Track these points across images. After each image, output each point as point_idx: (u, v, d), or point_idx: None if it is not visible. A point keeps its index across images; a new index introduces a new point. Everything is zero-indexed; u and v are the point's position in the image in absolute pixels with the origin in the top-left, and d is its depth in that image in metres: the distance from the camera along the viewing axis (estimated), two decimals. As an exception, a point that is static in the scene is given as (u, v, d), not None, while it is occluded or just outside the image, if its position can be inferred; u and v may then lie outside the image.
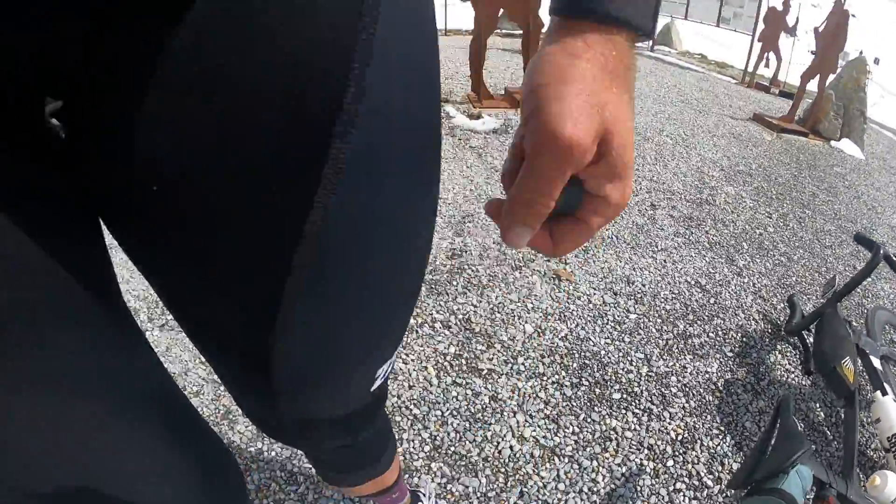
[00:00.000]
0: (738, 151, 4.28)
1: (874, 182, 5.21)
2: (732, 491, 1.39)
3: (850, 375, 1.51)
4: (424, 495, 1.19)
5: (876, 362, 1.56)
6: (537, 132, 0.31)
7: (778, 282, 2.44)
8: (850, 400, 1.48)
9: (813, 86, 6.12)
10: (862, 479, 1.32)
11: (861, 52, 6.76)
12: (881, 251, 1.72)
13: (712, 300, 2.16)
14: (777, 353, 1.95)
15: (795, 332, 1.95)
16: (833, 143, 6.03)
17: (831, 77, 6.27)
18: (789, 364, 1.90)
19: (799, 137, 5.66)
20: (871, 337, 1.67)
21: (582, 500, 1.30)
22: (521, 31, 4.27)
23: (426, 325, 1.78)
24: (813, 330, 1.82)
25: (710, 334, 1.96)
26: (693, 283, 2.23)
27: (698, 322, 2.02)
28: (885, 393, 1.45)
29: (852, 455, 1.31)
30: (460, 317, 1.83)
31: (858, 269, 1.80)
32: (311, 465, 1.16)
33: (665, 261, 2.34)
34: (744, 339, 1.98)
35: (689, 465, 1.44)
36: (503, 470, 1.35)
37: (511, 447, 1.41)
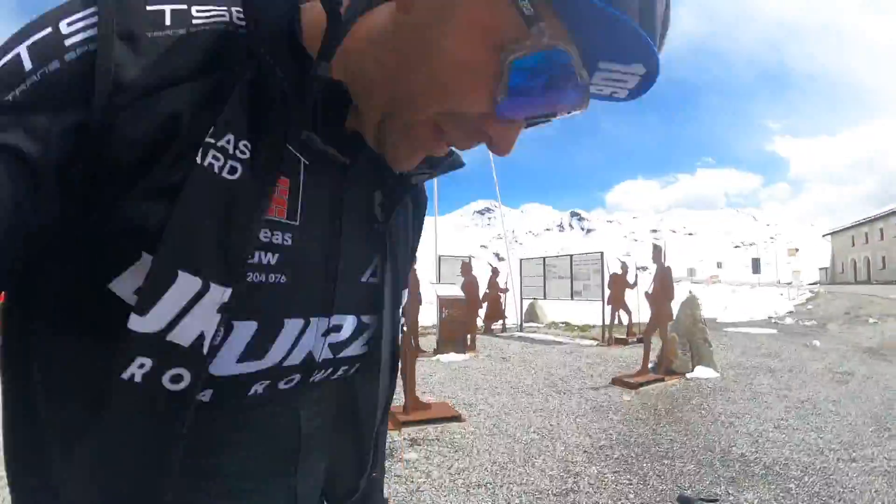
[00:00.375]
0: (599, 426, 4.91)
1: (730, 396, 5.98)
2: None
3: None
4: None
5: None
6: None
7: (641, 549, 2.81)
8: None
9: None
10: None
11: (690, 292, 8.06)
12: None
13: None
14: None
15: None
16: (688, 375, 7.00)
17: (671, 323, 7.38)
18: None
19: (656, 384, 6.56)
20: None
21: None
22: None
23: None
24: None
25: None
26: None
27: None
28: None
29: None
30: None
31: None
32: None
33: (535, 570, 2.65)
34: None
35: None
36: None
37: None
